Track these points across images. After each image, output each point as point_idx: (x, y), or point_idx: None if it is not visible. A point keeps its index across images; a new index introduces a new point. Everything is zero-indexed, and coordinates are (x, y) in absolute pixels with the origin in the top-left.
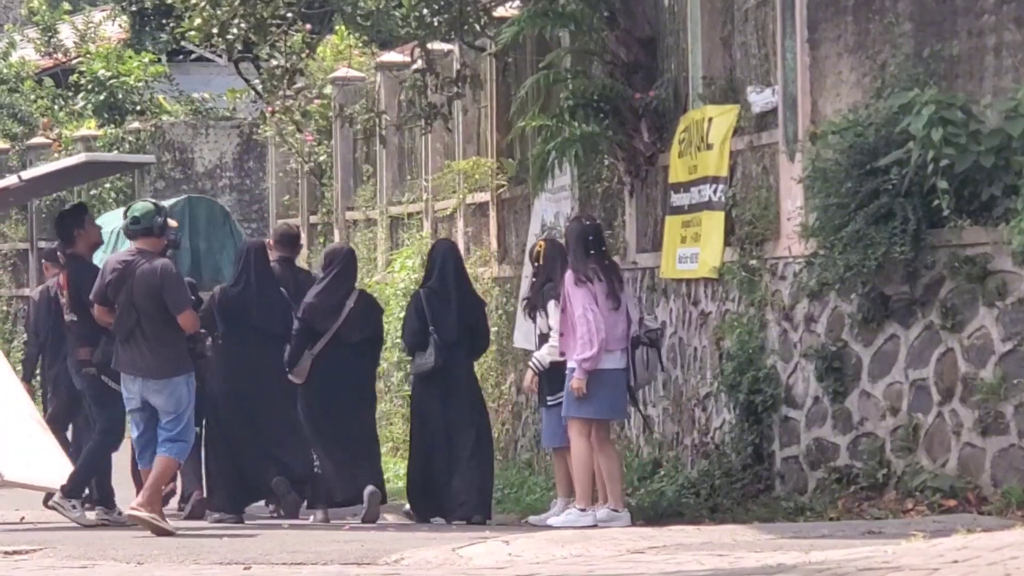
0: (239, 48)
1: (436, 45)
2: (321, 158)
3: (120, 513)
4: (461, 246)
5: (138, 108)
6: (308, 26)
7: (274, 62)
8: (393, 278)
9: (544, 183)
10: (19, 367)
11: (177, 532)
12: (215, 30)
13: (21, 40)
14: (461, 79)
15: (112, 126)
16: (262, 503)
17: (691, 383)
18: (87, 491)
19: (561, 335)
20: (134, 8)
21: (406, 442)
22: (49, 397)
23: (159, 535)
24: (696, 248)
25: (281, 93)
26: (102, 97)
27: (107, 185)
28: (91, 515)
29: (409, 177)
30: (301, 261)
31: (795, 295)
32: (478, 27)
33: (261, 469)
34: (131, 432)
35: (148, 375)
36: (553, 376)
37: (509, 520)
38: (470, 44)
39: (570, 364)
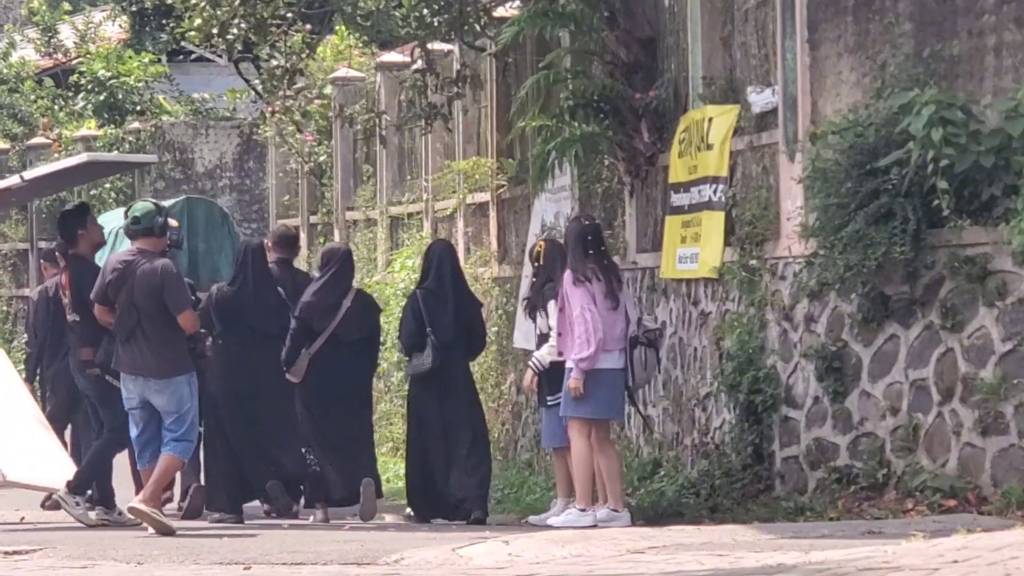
0: (239, 48)
1: (436, 45)
2: (321, 158)
3: (120, 513)
4: (461, 246)
5: (138, 108)
6: (308, 26)
7: (274, 62)
8: (393, 278)
9: (544, 183)
10: (20, 367)
11: (177, 531)
12: (215, 30)
13: (21, 40)
14: (461, 79)
15: (112, 126)
16: (257, 503)
17: (691, 383)
18: (88, 491)
19: (559, 335)
20: (134, 8)
21: (405, 442)
22: (48, 396)
23: (159, 531)
24: (696, 248)
25: (281, 93)
26: (102, 97)
27: (107, 185)
28: (92, 515)
29: (409, 177)
30: (301, 262)
31: (795, 295)
32: (478, 27)
33: (259, 469)
34: (130, 431)
35: (149, 375)
36: (553, 376)
37: (509, 520)
38: (470, 44)
39: (568, 364)
